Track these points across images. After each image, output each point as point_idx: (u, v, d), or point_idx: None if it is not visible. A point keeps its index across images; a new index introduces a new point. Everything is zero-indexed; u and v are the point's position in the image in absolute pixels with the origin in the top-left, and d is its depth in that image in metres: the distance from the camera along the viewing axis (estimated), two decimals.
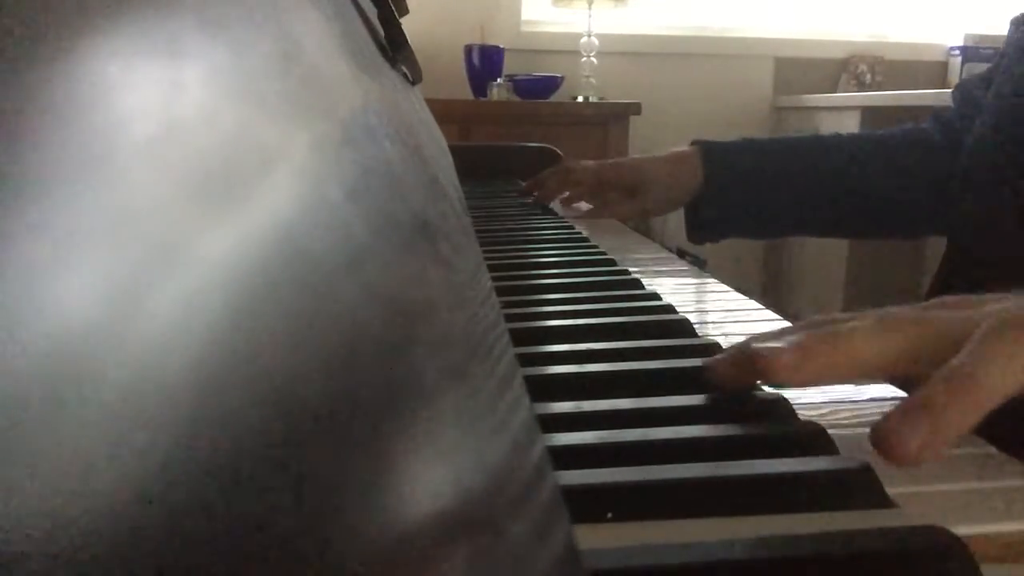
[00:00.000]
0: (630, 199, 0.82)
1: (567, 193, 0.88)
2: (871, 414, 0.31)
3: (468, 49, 2.25)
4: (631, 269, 0.54)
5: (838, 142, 0.80)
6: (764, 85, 2.60)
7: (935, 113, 0.80)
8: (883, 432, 0.23)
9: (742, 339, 0.40)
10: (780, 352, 0.26)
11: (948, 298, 0.30)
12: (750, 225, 0.82)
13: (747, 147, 0.79)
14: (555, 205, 0.89)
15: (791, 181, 0.77)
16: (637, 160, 0.84)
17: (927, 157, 0.75)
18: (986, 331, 0.25)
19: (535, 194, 0.89)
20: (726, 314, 0.47)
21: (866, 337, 0.27)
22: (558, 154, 1.15)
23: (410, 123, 0.43)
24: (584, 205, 0.88)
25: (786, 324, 0.44)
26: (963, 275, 0.68)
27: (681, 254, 2.01)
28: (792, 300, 2.42)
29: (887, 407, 0.31)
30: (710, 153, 0.78)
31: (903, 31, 2.67)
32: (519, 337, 0.37)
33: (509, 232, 0.71)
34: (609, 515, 0.22)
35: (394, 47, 0.52)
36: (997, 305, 0.28)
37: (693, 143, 0.81)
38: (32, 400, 0.06)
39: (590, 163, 0.86)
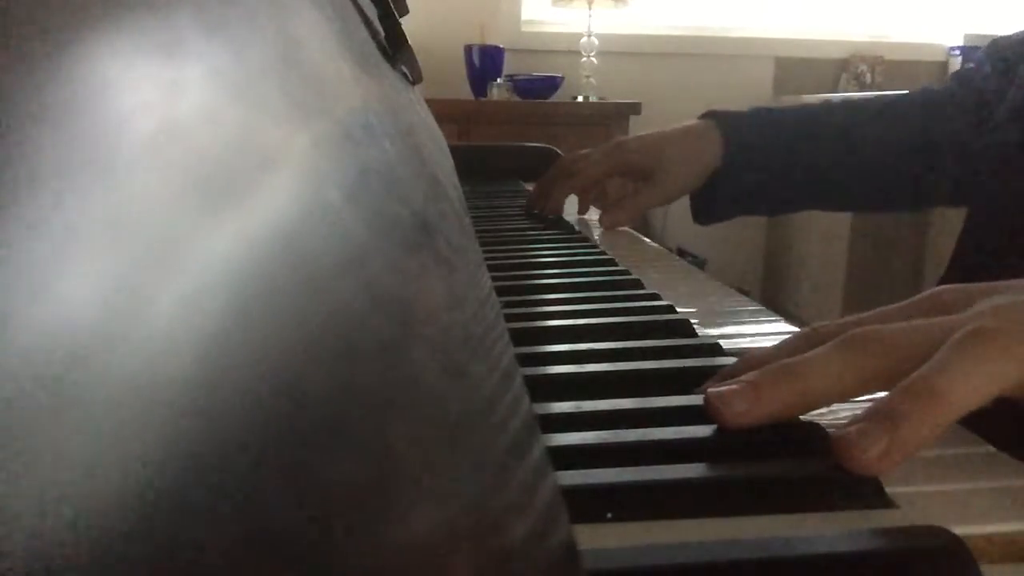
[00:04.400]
0: (646, 187, 0.72)
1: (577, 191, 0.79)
2: None
3: (468, 49, 2.25)
4: (631, 269, 0.54)
5: (854, 107, 0.74)
6: (764, 85, 2.60)
7: (957, 74, 0.75)
8: (844, 440, 0.23)
9: (741, 339, 0.40)
10: (731, 399, 0.26)
11: (945, 290, 0.29)
12: (764, 201, 0.75)
13: (763, 118, 0.72)
14: (570, 215, 0.81)
15: (811, 151, 0.71)
16: (649, 139, 0.73)
17: (949, 121, 0.71)
18: (953, 343, 0.24)
19: (542, 207, 0.79)
20: (726, 314, 0.47)
21: (825, 368, 0.26)
22: (558, 154, 1.15)
23: (410, 123, 0.43)
24: (594, 216, 0.80)
25: (782, 324, 0.44)
26: (984, 245, 0.64)
27: (681, 254, 2.01)
28: (792, 300, 2.42)
29: None
30: (728, 126, 0.71)
31: (903, 31, 2.67)
32: (519, 337, 0.37)
33: (509, 232, 0.71)
34: (609, 515, 0.22)
35: (394, 47, 0.52)
36: (986, 303, 0.27)
37: (704, 116, 0.73)
38: (33, 399, 0.06)
39: (593, 153, 0.75)
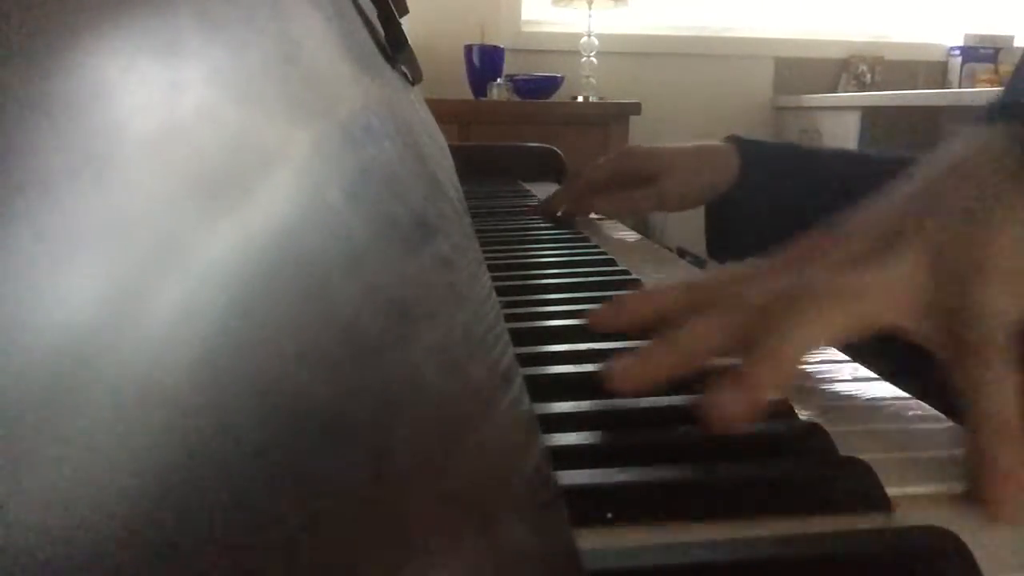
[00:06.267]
0: (647, 188, 0.71)
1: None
2: (871, 414, 0.31)
3: (468, 49, 2.25)
4: (631, 269, 0.54)
5: (870, 158, 0.72)
6: (764, 85, 2.60)
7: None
8: (708, 406, 0.27)
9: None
10: (625, 371, 0.30)
11: (808, 244, 0.33)
12: (775, 232, 0.76)
13: (785, 149, 0.72)
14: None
15: (824, 191, 0.69)
16: (655, 147, 0.73)
17: None
18: (789, 308, 0.29)
19: (549, 212, 0.78)
20: None
21: (696, 337, 0.30)
22: (558, 154, 1.15)
23: (410, 123, 0.43)
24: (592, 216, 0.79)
25: None
26: None
27: (681, 254, 2.01)
28: None
29: (886, 407, 0.31)
30: (748, 148, 0.70)
31: (903, 31, 2.67)
32: (519, 337, 0.37)
33: (509, 232, 0.71)
34: (609, 515, 0.22)
35: (394, 47, 0.52)
36: (832, 255, 0.31)
37: (726, 140, 0.72)
38: (33, 400, 0.06)
39: (599, 161, 0.74)
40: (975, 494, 0.24)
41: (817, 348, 0.28)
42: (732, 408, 0.26)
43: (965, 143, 0.32)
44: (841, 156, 0.73)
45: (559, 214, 0.78)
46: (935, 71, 2.66)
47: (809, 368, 0.36)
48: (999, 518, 0.23)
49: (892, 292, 0.28)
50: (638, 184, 0.72)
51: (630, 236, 0.74)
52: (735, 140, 0.71)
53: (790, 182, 0.70)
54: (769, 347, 0.28)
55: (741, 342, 0.29)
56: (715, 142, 0.72)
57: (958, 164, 0.31)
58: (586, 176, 0.74)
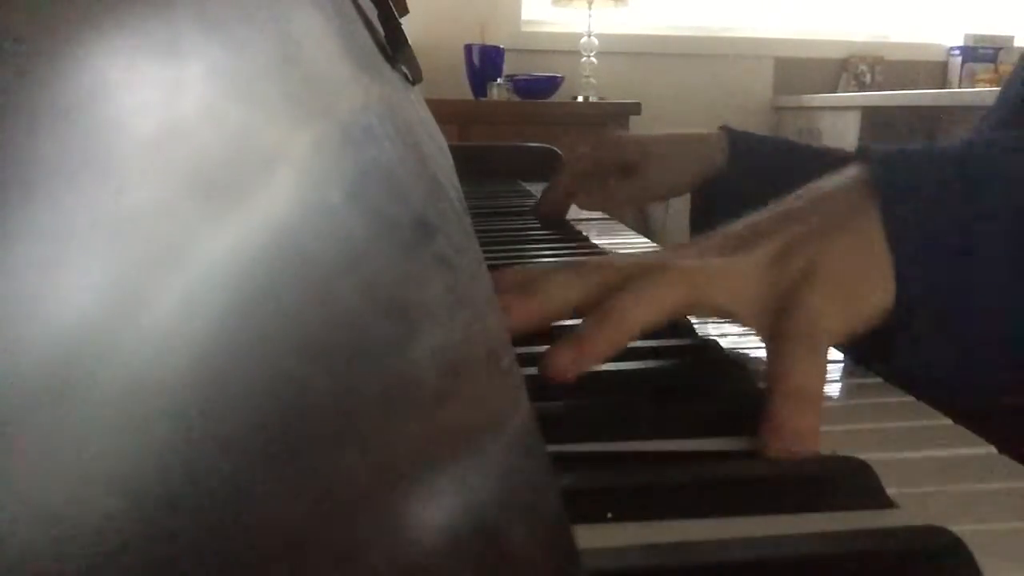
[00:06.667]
0: (628, 180, 0.70)
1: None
2: (871, 414, 0.31)
3: (468, 49, 2.25)
4: None
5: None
6: (764, 85, 2.60)
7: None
8: (545, 356, 0.30)
9: (740, 339, 0.40)
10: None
11: (732, 230, 0.36)
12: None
13: (779, 141, 0.71)
14: (571, 215, 0.79)
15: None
16: (637, 136, 0.72)
17: None
18: (638, 277, 0.32)
19: (544, 212, 0.77)
20: None
21: (552, 288, 0.34)
22: (558, 154, 1.15)
23: (410, 123, 0.43)
24: (593, 215, 0.79)
25: None
26: None
27: None
28: None
29: (886, 407, 0.31)
30: (739, 134, 0.69)
31: (903, 31, 2.67)
32: (519, 337, 0.37)
33: (509, 232, 0.71)
34: (609, 515, 0.22)
35: (394, 47, 0.52)
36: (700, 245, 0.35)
37: (719, 129, 0.70)
38: (33, 400, 0.06)
39: (579, 152, 0.73)
40: (764, 450, 0.26)
41: (655, 316, 0.32)
42: (563, 360, 0.30)
43: (828, 179, 0.36)
44: (832, 153, 0.72)
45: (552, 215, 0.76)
46: (935, 71, 2.67)
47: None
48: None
49: (731, 280, 0.32)
50: (621, 174, 0.71)
51: (629, 235, 0.74)
52: (727, 129, 0.70)
53: (778, 172, 0.68)
54: (606, 310, 0.31)
55: (594, 301, 0.33)
56: (704, 131, 0.70)
57: (815, 195, 0.36)
58: (569, 170, 0.73)
